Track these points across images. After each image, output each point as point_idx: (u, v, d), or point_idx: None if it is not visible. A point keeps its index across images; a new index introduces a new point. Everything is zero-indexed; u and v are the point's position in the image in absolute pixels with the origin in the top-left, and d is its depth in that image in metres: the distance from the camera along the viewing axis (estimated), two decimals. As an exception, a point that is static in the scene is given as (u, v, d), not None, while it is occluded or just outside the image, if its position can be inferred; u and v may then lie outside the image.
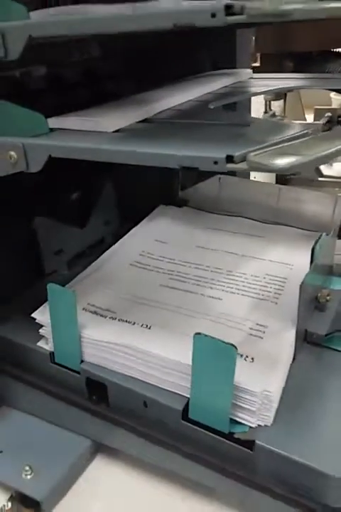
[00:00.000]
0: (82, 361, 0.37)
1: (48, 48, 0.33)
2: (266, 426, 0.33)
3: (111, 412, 0.37)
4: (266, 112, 1.01)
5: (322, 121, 1.04)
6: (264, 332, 0.37)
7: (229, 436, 0.33)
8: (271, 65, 0.88)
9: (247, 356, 0.35)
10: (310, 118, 1.12)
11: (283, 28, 0.82)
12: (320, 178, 0.83)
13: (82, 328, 0.37)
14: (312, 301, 0.41)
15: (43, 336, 0.39)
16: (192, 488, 0.36)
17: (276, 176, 0.78)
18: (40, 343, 0.39)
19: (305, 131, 0.24)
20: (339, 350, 0.40)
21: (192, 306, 0.40)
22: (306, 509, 0.31)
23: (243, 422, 0.33)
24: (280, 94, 0.95)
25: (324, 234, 0.42)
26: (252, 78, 0.51)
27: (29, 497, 0.35)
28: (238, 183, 0.57)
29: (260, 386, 0.32)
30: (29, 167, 0.27)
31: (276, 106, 1.07)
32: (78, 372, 0.37)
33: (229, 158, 0.21)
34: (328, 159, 0.22)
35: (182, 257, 0.48)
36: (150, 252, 0.49)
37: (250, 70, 0.51)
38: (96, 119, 0.30)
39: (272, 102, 1.03)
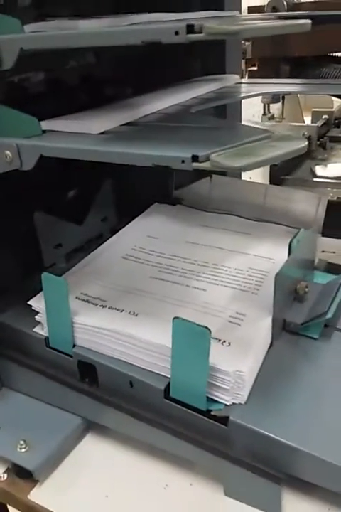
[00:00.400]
0: (74, 345, 0.40)
1: (43, 56, 0.36)
2: (240, 404, 0.36)
3: (101, 392, 0.40)
4: (264, 114, 1.04)
5: (318, 124, 1.06)
6: (243, 320, 0.40)
7: (206, 413, 0.36)
8: (268, 69, 0.91)
9: (224, 341, 0.38)
10: (309, 120, 1.14)
11: (280, 34, 0.84)
12: (314, 179, 0.85)
13: (75, 314, 0.40)
14: (290, 292, 0.44)
15: (39, 322, 0.42)
16: (174, 461, 0.39)
17: (270, 175, 0.80)
18: (36, 329, 0.42)
19: (262, 136, 0.27)
20: (315, 338, 0.43)
21: (178, 296, 0.43)
22: (274, 478, 0.33)
23: (219, 400, 0.36)
24: (278, 97, 0.97)
25: (302, 229, 0.45)
26: (241, 83, 0.54)
27: (23, 469, 0.39)
28: (228, 183, 0.60)
29: (233, 366, 0.35)
30: (22, 165, 0.30)
31: (275, 109, 1.10)
32: (70, 356, 0.41)
33: (195, 158, 0.24)
34: (278, 160, 0.25)
35: (172, 251, 0.51)
36: (142, 246, 0.52)
37: (237, 76, 0.54)
38: (83, 122, 0.34)
39: (271, 105, 1.05)
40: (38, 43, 0.27)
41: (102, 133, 0.33)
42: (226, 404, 0.36)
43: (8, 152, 0.30)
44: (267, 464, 0.34)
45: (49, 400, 0.43)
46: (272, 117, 1.05)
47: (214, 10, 0.46)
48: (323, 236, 0.55)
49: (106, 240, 0.54)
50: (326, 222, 0.54)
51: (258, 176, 0.92)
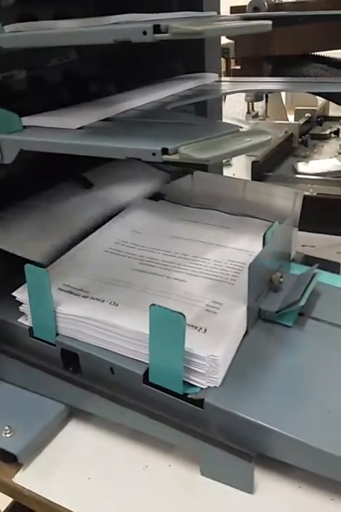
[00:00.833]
0: (57, 334, 0.42)
1: (25, 55, 0.37)
2: (215, 387, 0.37)
3: (83, 379, 0.42)
4: (248, 113, 1.06)
5: (301, 121, 1.09)
6: (219, 308, 0.42)
7: (183, 396, 0.37)
8: (251, 68, 0.92)
9: (201, 328, 0.39)
10: (292, 118, 1.17)
11: (262, 33, 0.86)
12: (295, 176, 0.87)
13: (57, 305, 0.42)
14: (264, 282, 0.46)
15: (23, 313, 0.44)
16: (153, 444, 0.41)
17: (252, 172, 0.82)
18: (21, 320, 0.44)
19: (229, 130, 0.29)
20: (289, 326, 0.45)
21: (158, 286, 0.45)
22: (246, 456, 0.35)
23: (195, 384, 0.38)
24: (261, 96, 0.99)
25: (276, 222, 0.46)
26: (220, 81, 0.56)
27: (7, 453, 0.40)
28: (209, 179, 0.62)
29: (208, 351, 0.36)
30: (3, 159, 0.32)
31: (259, 107, 1.12)
32: (54, 345, 0.42)
33: (164, 151, 0.26)
34: (242, 152, 0.27)
35: (154, 245, 0.52)
36: (125, 240, 0.53)
37: (216, 74, 0.55)
38: (62, 118, 0.35)
39: (255, 103, 1.08)
40: (15, 42, 0.29)
41: (80, 128, 0.34)
42: (202, 388, 0.37)
43: (-11, 146, 0.32)
44: (240, 444, 0.36)
45: (33, 387, 0.45)
46: (256, 115, 1.07)
47: (193, 11, 0.47)
48: (303, 231, 0.57)
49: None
50: (306, 217, 0.56)
51: (242, 172, 0.94)
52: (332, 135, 1.07)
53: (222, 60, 1.04)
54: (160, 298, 0.43)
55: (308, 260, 0.55)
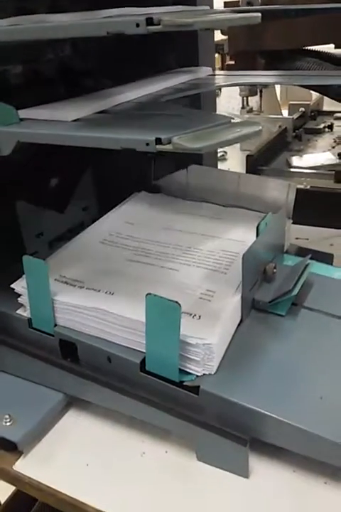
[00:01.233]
0: (55, 325, 0.43)
1: (21, 49, 0.38)
2: (210, 374, 0.38)
3: (81, 368, 0.42)
4: (243, 108, 1.07)
5: (295, 116, 1.10)
6: (212, 296, 0.43)
7: (179, 384, 0.38)
8: (244, 63, 0.93)
9: (195, 315, 0.40)
10: (286, 113, 1.18)
11: (255, 27, 0.87)
12: (290, 169, 0.88)
13: (54, 295, 0.42)
14: (258, 272, 0.47)
15: (22, 305, 0.44)
16: (150, 431, 0.41)
17: (247, 166, 0.83)
18: (19, 311, 0.45)
19: (221, 121, 0.29)
20: (282, 315, 0.45)
21: (152, 276, 0.46)
22: (241, 441, 0.36)
23: (190, 371, 0.38)
24: (255, 90, 1.00)
25: (270, 213, 0.47)
26: (214, 75, 0.56)
27: (7, 442, 0.41)
28: (204, 172, 0.62)
29: (203, 339, 0.37)
30: (1, 151, 0.32)
31: (254, 102, 1.13)
32: (52, 335, 0.43)
33: (158, 141, 0.27)
34: (233, 142, 0.27)
35: (148, 236, 0.53)
36: (119, 232, 0.54)
37: (209, 68, 0.56)
38: (58, 110, 0.36)
39: (249, 98, 1.08)
40: (10, 35, 0.29)
41: (76, 120, 0.35)
42: (197, 375, 0.38)
43: (-14, 138, 0.33)
44: (235, 429, 0.37)
45: (32, 377, 0.45)
46: (251, 110, 1.08)
47: (187, 4, 0.48)
48: (297, 224, 0.57)
49: (86, 229, 0.56)
50: (300, 211, 0.57)
51: (237, 166, 0.95)
52: (326, 129, 1.08)
53: (217, 56, 1.05)
54: (154, 287, 0.44)
55: (302, 252, 0.56)
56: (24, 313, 0.44)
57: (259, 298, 0.46)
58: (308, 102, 1.13)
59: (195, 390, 0.38)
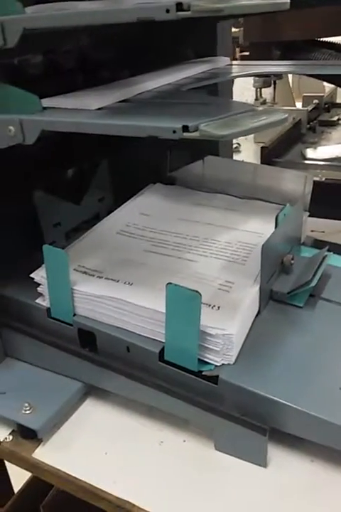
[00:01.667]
0: (74, 315, 0.43)
1: (43, 38, 0.38)
2: (229, 364, 0.38)
3: (100, 357, 0.43)
4: (256, 99, 1.06)
5: (309, 108, 1.09)
6: (231, 287, 0.43)
7: (198, 373, 0.38)
8: (259, 54, 0.92)
9: (214, 305, 0.40)
10: (300, 105, 1.17)
11: (271, 18, 0.87)
12: (304, 161, 0.87)
13: (74, 285, 0.43)
14: (276, 263, 0.46)
15: (41, 294, 0.45)
16: (168, 420, 0.42)
17: (261, 158, 0.83)
18: (38, 300, 0.45)
19: (246, 109, 0.29)
20: (300, 307, 0.45)
21: (170, 266, 0.46)
22: (260, 430, 0.36)
23: (209, 361, 0.38)
24: (269, 82, 0.99)
25: (288, 204, 0.47)
26: (231, 65, 0.56)
27: (27, 430, 0.41)
28: (220, 163, 0.62)
29: (222, 329, 0.37)
30: (25, 139, 0.33)
31: (267, 93, 1.12)
32: (71, 325, 0.43)
33: (185, 128, 0.27)
34: (260, 130, 0.27)
35: (165, 227, 0.53)
36: (136, 223, 0.54)
37: (227, 58, 0.56)
38: (82, 99, 0.36)
39: (263, 90, 1.08)
40: (39, 22, 0.29)
41: (100, 109, 0.35)
42: (216, 365, 0.38)
43: (11, 127, 0.33)
44: (254, 419, 0.37)
45: (51, 367, 0.46)
46: (264, 102, 1.07)
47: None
48: (312, 216, 0.57)
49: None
50: (315, 203, 0.57)
51: (251, 158, 0.94)
52: (340, 121, 1.07)
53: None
54: (173, 277, 0.44)
55: (318, 244, 0.56)
56: (43, 302, 0.44)
57: (277, 289, 0.46)
58: (322, 94, 1.12)
59: (214, 379, 0.38)
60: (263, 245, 0.41)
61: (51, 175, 0.54)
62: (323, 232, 0.71)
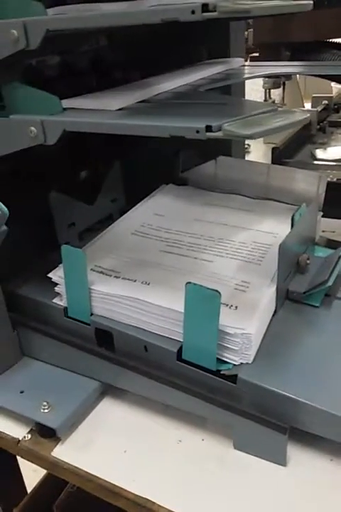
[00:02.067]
0: (91, 314, 0.43)
1: (63, 38, 0.38)
2: (247, 363, 0.38)
3: (117, 356, 0.43)
4: (265, 100, 1.06)
5: (318, 109, 1.09)
6: (248, 287, 0.43)
7: (217, 372, 0.38)
8: (269, 55, 0.92)
9: (232, 305, 0.40)
10: (309, 105, 1.17)
11: (280, 19, 0.87)
12: (314, 162, 0.87)
13: (91, 284, 0.43)
14: (292, 263, 0.47)
15: (58, 294, 0.45)
16: (186, 419, 0.42)
17: (272, 158, 0.83)
18: (56, 300, 0.45)
19: (268, 109, 0.29)
20: (316, 306, 0.45)
21: (186, 266, 0.46)
22: (280, 429, 0.36)
23: (228, 360, 0.39)
24: (279, 83, 0.99)
25: (304, 204, 0.47)
26: (244, 66, 0.56)
27: (46, 429, 0.41)
28: (233, 163, 0.62)
29: (241, 328, 0.37)
30: (46, 140, 0.33)
31: (276, 94, 1.12)
32: (88, 324, 0.43)
33: (208, 128, 0.27)
34: (283, 129, 0.27)
35: (179, 227, 0.53)
36: (150, 223, 0.54)
37: (241, 59, 0.56)
38: (102, 100, 0.36)
39: (272, 91, 1.08)
40: (63, 24, 0.29)
41: (120, 109, 0.35)
42: (234, 364, 0.38)
43: (32, 128, 0.33)
44: (272, 418, 0.37)
45: (68, 366, 0.46)
46: (273, 103, 1.07)
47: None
48: (323, 217, 0.57)
49: (115, 220, 0.56)
50: (326, 203, 0.57)
51: (260, 158, 0.94)
52: (350, 122, 1.06)
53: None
54: (189, 277, 0.44)
55: (331, 244, 0.56)
56: (60, 302, 0.45)
57: (293, 289, 0.46)
58: (331, 95, 1.12)
59: (233, 378, 0.38)
60: (280, 245, 0.41)
61: (65, 176, 0.54)
62: (334, 232, 0.71)
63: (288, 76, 0.91)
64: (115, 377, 0.44)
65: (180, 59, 0.53)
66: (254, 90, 1.12)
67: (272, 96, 1.06)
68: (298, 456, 0.38)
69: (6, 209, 0.38)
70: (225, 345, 0.38)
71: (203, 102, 0.38)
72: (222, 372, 0.38)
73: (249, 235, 0.52)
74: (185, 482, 0.38)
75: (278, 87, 1.01)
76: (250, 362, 0.38)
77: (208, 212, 0.57)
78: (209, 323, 0.37)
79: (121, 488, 0.38)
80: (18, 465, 0.75)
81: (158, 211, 0.57)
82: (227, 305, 0.40)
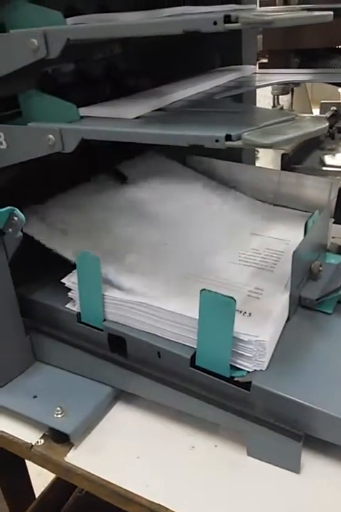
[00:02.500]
0: (104, 320, 0.43)
1: (79, 47, 0.38)
2: (261, 370, 0.38)
3: (130, 362, 0.43)
4: (274, 106, 1.07)
5: (327, 115, 1.08)
6: (261, 294, 0.43)
7: (230, 379, 0.38)
8: (278, 61, 0.93)
9: (245, 312, 0.40)
10: (317, 112, 1.17)
11: (291, 26, 0.87)
12: (323, 168, 0.87)
13: (104, 291, 0.43)
14: (305, 270, 0.47)
15: (71, 299, 0.45)
16: (199, 425, 0.42)
17: (281, 165, 0.83)
18: (69, 305, 0.45)
19: (286, 117, 0.30)
20: (329, 313, 0.45)
21: (199, 273, 0.46)
22: (294, 436, 0.36)
23: (241, 367, 0.39)
24: (288, 89, 1.00)
25: (317, 211, 0.47)
26: (256, 73, 0.57)
27: (59, 434, 0.41)
28: (244, 169, 0.62)
29: (255, 335, 0.37)
30: (64, 148, 0.33)
31: (284, 100, 1.12)
32: (101, 330, 0.43)
33: (228, 137, 0.27)
34: (303, 138, 0.28)
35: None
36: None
37: (254, 66, 0.56)
38: (118, 108, 0.36)
39: (280, 97, 1.08)
40: (84, 33, 0.30)
41: (137, 118, 0.35)
42: (248, 371, 0.38)
43: (51, 136, 0.33)
44: (286, 424, 0.37)
45: (80, 371, 0.46)
46: (281, 109, 1.07)
47: (233, 4, 0.48)
48: (333, 223, 0.57)
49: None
50: (335, 209, 0.57)
51: (269, 164, 0.94)
52: (358, 128, 1.06)
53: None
54: (202, 284, 0.44)
55: (343, 250, 0.56)
56: (73, 307, 0.45)
57: (306, 295, 0.46)
58: (339, 101, 1.12)
59: (247, 385, 0.38)
60: (294, 252, 0.41)
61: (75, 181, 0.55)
62: (343, 238, 0.71)
63: (297, 83, 0.91)
64: (128, 382, 0.44)
65: (194, 65, 0.53)
66: (263, 96, 1.13)
67: (280, 102, 1.07)
68: (312, 463, 0.38)
69: (22, 216, 0.38)
70: (239, 352, 0.38)
71: (218, 110, 0.38)
72: (235, 379, 0.38)
73: (262, 242, 0.52)
74: (198, 488, 0.38)
75: (287, 93, 1.01)
76: (264, 369, 0.39)
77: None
78: (223, 330, 0.37)
79: (135, 494, 0.38)
80: (26, 469, 0.75)
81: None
82: (241, 312, 0.40)
